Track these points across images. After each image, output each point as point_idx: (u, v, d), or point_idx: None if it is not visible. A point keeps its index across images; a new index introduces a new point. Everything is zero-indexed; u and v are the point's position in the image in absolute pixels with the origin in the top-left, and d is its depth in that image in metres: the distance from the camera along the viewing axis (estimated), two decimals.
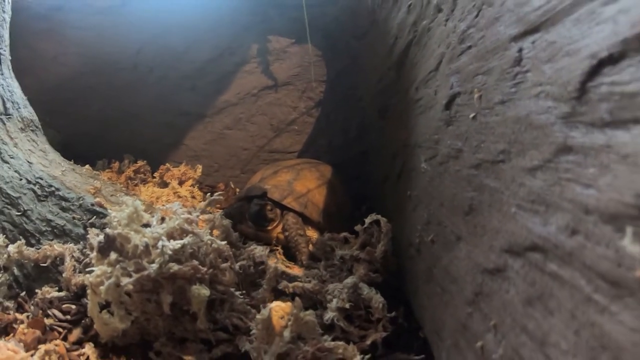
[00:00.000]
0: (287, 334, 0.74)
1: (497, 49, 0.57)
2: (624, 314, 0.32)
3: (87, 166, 1.36)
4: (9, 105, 1.23)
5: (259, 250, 0.94)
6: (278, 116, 2.05)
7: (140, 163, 1.87)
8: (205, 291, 0.69)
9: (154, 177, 1.84)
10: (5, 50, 1.36)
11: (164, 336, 0.72)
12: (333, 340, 0.78)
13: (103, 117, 2.12)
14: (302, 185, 1.36)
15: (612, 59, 0.33)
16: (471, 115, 0.68)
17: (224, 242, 0.77)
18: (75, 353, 0.73)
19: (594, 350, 0.34)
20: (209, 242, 0.76)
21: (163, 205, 1.43)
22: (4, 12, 1.44)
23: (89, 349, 0.68)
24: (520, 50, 0.50)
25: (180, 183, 1.69)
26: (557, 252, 0.40)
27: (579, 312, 0.37)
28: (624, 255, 0.31)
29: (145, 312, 0.68)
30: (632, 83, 0.31)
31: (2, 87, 1.25)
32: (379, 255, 1.09)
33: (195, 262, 0.71)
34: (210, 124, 2.07)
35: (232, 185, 2.00)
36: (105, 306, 0.70)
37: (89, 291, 0.67)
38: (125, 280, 0.62)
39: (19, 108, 1.27)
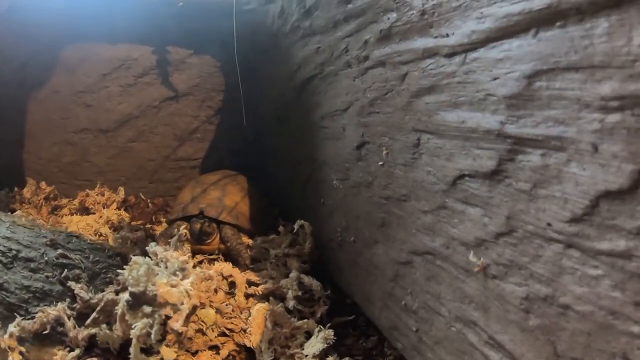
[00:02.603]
0: (269, 324, 1.08)
1: (401, 129, 0.97)
2: (471, 283, 0.75)
3: (18, 212, 1.41)
4: None
5: (226, 267, 1.23)
6: (180, 126, 2.22)
7: (47, 188, 1.89)
8: (212, 311, 0.98)
9: (63, 201, 1.89)
10: None
11: (182, 354, 0.98)
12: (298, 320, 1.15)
13: None
14: (230, 199, 1.65)
15: (469, 175, 0.74)
16: (380, 163, 1.08)
17: (211, 271, 1.04)
18: None
19: (461, 298, 0.78)
20: (199, 273, 1.03)
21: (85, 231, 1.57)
22: None
23: None
24: (418, 139, 0.90)
25: (104, 207, 1.80)
26: (440, 256, 0.84)
27: (453, 282, 0.80)
28: (470, 261, 0.74)
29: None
30: (477, 189, 0.73)
31: None
32: (306, 250, 1.47)
33: (196, 292, 0.98)
34: (113, 138, 2.14)
35: (143, 197, 2.14)
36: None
37: (134, 341, 0.87)
38: (176, 325, 0.86)
39: None
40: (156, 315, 0.86)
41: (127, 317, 0.89)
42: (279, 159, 2.14)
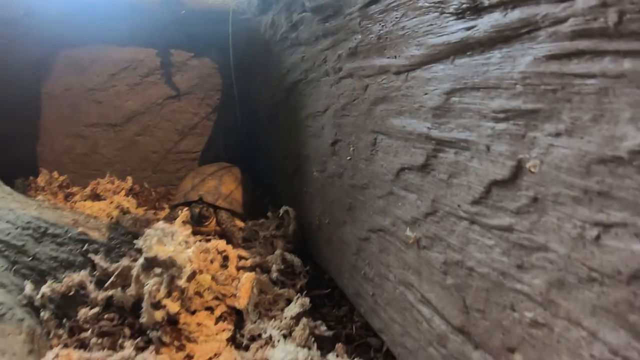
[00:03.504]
0: (255, 290, 1.25)
1: (363, 130, 1.13)
2: (409, 253, 0.92)
3: (40, 197, 1.56)
4: None
5: (221, 243, 1.39)
6: (182, 122, 2.37)
7: (60, 177, 2.04)
8: (208, 276, 1.14)
9: (75, 189, 2.04)
10: None
11: (183, 312, 1.15)
12: (280, 289, 1.32)
13: (4, 132, 2.13)
14: (226, 188, 1.82)
15: (408, 168, 0.91)
16: (348, 157, 1.25)
17: (209, 244, 1.21)
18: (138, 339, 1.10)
19: (403, 265, 0.95)
20: (199, 246, 1.19)
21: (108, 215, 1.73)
22: None
23: (154, 333, 1.06)
24: (375, 139, 1.06)
25: (113, 193, 1.96)
26: (389, 232, 1.00)
27: (397, 253, 0.97)
28: (408, 235, 0.91)
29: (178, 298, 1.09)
30: (413, 179, 0.89)
31: None
32: (290, 232, 1.64)
33: (197, 259, 1.14)
34: (121, 132, 2.28)
35: (147, 185, 2.29)
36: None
37: (146, 296, 1.04)
38: (181, 282, 1.03)
39: None
40: (165, 275, 1.03)
41: (141, 278, 1.05)
42: (269, 153, 2.30)
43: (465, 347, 0.80)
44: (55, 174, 2.19)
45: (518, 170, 0.67)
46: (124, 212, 1.73)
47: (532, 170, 0.65)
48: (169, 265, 1.03)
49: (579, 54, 0.58)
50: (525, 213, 0.67)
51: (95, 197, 2.04)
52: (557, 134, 0.61)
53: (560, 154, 0.61)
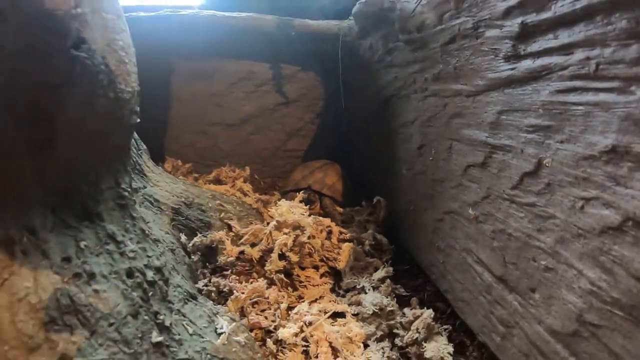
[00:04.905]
0: (352, 257, 1.78)
1: (442, 137, 1.60)
2: (470, 227, 1.38)
3: (181, 177, 2.26)
4: (138, 142, 1.99)
5: (327, 220, 1.95)
6: (290, 125, 2.99)
7: (185, 164, 2.77)
8: (318, 241, 1.69)
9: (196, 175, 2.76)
10: None
11: (296, 267, 1.71)
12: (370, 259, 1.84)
13: (139, 128, 2.89)
14: (330, 179, 2.39)
15: (472, 165, 1.38)
16: (430, 158, 1.72)
17: (320, 218, 1.76)
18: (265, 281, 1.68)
19: (466, 237, 1.41)
20: (314, 218, 1.75)
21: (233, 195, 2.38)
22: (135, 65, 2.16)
23: (278, 276, 1.64)
24: (451, 144, 1.53)
25: (234, 179, 2.63)
26: (457, 213, 1.46)
27: (462, 228, 1.43)
28: (469, 214, 1.37)
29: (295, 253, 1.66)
30: (475, 173, 1.36)
31: None
32: (381, 218, 2.15)
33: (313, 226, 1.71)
34: (237, 131, 2.96)
35: (257, 176, 2.96)
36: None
37: (275, 248, 1.61)
38: (303, 238, 1.60)
39: (140, 142, 2.03)
40: (291, 233, 1.60)
41: (272, 235, 1.64)
42: (365, 153, 2.82)
43: (504, 292, 1.24)
44: (179, 162, 2.89)
45: (539, 165, 1.10)
46: (245, 194, 2.38)
47: (547, 165, 1.09)
48: (295, 226, 1.60)
49: (574, 89, 1.01)
50: (543, 194, 1.10)
51: (218, 181, 2.71)
52: (562, 141, 1.05)
53: (563, 154, 1.04)
